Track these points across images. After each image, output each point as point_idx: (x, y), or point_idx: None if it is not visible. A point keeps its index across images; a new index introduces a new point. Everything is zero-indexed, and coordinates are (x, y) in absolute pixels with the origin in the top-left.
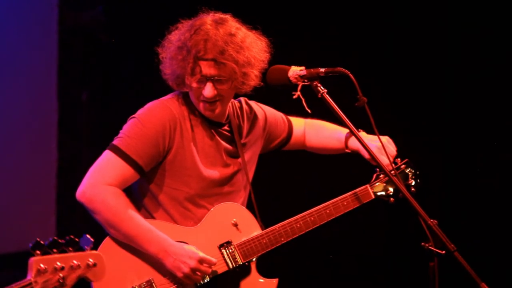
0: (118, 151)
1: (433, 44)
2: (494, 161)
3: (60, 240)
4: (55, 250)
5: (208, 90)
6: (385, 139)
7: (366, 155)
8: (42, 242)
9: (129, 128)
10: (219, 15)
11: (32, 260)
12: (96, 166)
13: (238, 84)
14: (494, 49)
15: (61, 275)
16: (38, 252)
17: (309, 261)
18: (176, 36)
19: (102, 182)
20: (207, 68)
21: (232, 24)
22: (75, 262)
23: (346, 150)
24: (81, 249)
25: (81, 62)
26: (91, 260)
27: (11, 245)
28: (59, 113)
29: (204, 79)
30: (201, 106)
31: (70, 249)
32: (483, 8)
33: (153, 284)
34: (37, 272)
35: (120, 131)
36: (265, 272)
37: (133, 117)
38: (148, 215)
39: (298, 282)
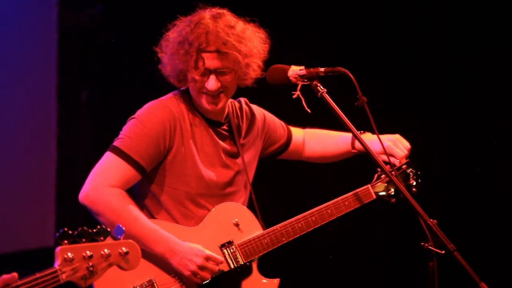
0: (119, 152)
1: (433, 43)
2: (495, 161)
3: (89, 230)
4: (84, 240)
5: (212, 83)
6: (396, 136)
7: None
8: (70, 232)
9: (129, 128)
10: (216, 10)
11: (58, 249)
12: (98, 168)
13: (241, 74)
14: (494, 48)
15: (90, 263)
16: (65, 241)
17: (310, 261)
18: (175, 33)
19: (105, 184)
20: (210, 61)
21: (230, 17)
22: (105, 250)
23: (353, 151)
24: (114, 239)
25: (80, 61)
26: (123, 248)
27: (10, 245)
28: (59, 112)
29: (208, 72)
30: (203, 100)
31: (101, 238)
32: (483, 7)
33: (154, 283)
34: (63, 261)
35: (120, 132)
36: (266, 272)
37: (133, 118)
38: (150, 215)
39: (299, 282)
